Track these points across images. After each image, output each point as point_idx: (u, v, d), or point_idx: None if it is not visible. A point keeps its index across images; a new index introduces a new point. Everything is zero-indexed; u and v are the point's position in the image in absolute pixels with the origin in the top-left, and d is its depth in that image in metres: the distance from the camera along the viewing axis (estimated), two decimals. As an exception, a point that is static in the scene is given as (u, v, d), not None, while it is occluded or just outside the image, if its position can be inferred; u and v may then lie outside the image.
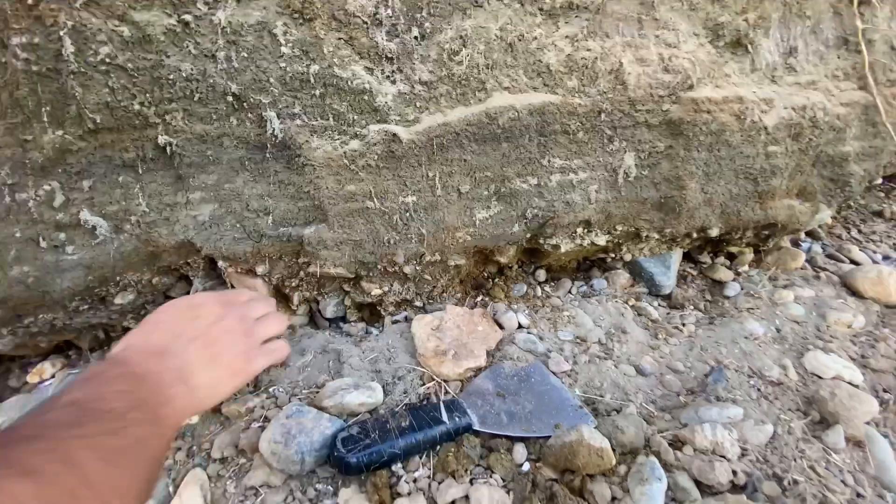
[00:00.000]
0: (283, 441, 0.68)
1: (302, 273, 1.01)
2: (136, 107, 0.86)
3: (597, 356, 0.95)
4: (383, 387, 0.84)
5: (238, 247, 0.99)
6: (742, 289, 1.23)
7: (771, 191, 1.13)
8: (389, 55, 0.93)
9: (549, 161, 1.03)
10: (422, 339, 0.92)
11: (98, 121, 0.84)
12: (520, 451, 0.69)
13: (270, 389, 0.84)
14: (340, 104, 0.93)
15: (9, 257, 0.86)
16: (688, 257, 1.37)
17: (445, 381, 0.86)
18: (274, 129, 0.91)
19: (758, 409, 0.80)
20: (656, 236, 1.15)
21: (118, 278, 0.98)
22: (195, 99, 0.88)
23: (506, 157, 1.00)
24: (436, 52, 0.95)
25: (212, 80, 0.87)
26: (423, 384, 0.85)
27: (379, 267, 0.99)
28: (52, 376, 0.98)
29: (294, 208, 0.97)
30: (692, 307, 1.18)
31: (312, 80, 0.90)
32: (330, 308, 1.04)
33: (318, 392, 0.81)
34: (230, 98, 0.88)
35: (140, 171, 0.93)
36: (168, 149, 0.91)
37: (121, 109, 0.85)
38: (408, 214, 0.97)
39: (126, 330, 1.11)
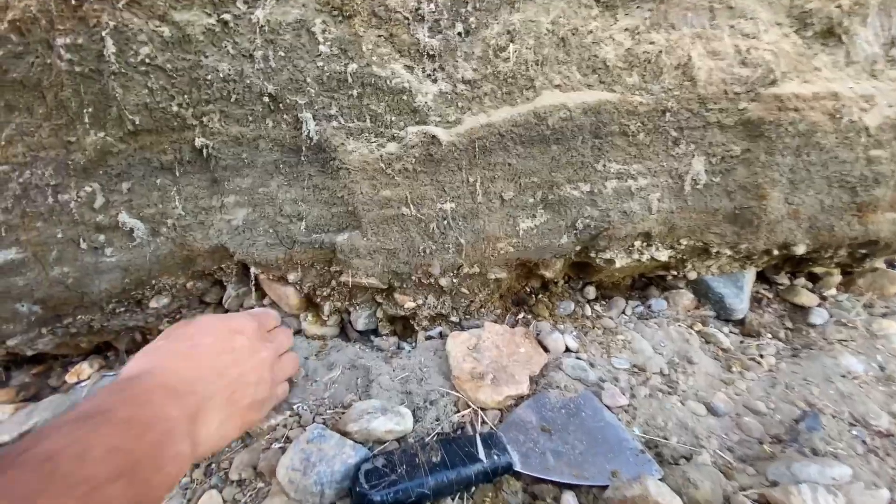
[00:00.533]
0: (302, 469, 0.62)
1: (334, 282, 0.96)
2: (175, 108, 0.84)
3: (658, 389, 0.82)
4: (413, 411, 0.76)
5: (270, 253, 0.95)
6: (831, 316, 1.06)
7: (872, 202, 0.96)
8: (431, 52, 0.87)
9: (604, 166, 0.92)
10: (457, 359, 0.83)
11: (137, 122, 0.83)
12: (569, 502, 0.58)
13: (294, 407, 0.78)
14: (378, 105, 0.87)
15: (50, 258, 0.87)
16: (761, 277, 1.20)
17: (482, 409, 0.77)
18: (309, 131, 0.88)
19: (866, 468, 0.65)
20: (728, 253, 1.01)
21: (154, 282, 0.97)
22: (232, 100, 0.86)
23: (555, 161, 0.91)
24: (480, 49, 0.88)
25: (248, 81, 0.84)
26: (458, 411, 0.76)
27: (413, 278, 0.92)
28: (89, 377, 0.98)
29: (327, 214, 0.93)
30: (770, 336, 1.03)
31: (350, 80, 0.86)
32: (361, 320, 0.98)
33: (343, 413, 0.74)
34: (266, 99, 0.85)
35: (177, 174, 0.91)
36: (204, 151, 0.89)
37: (159, 111, 0.84)
38: (445, 222, 0.90)
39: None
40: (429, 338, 0.97)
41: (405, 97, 0.87)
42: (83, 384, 0.94)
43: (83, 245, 0.89)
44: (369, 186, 0.88)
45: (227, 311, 1.11)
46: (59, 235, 0.87)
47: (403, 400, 0.80)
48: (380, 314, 0.99)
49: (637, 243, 0.98)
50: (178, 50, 0.81)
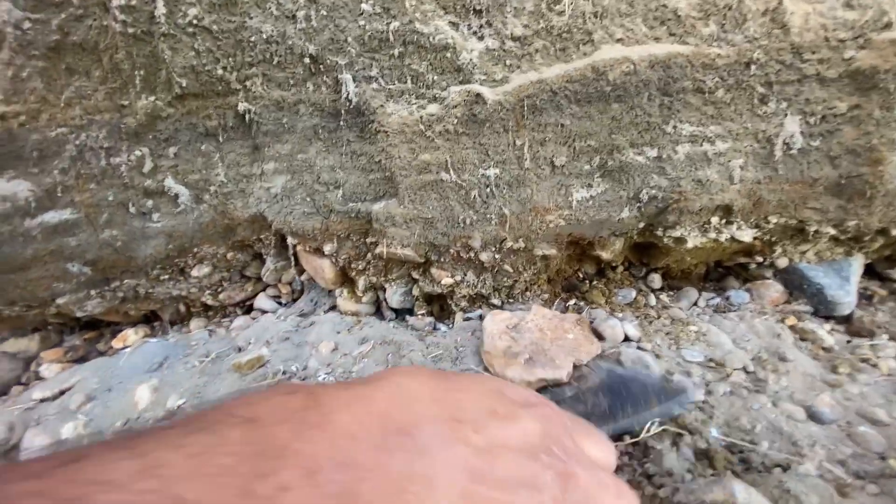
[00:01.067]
0: None
1: (369, 255, 0.91)
2: (220, 71, 0.84)
3: (743, 387, 0.68)
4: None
5: (307, 222, 0.92)
6: (972, 319, 0.84)
7: None
8: (478, 7, 0.81)
9: (674, 127, 0.80)
10: (492, 335, 0.74)
11: (184, 85, 0.84)
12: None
13: (320, 377, 0.73)
14: (420, 64, 0.82)
15: (101, 220, 0.89)
16: (869, 272, 1.00)
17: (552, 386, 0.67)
18: (349, 93, 0.84)
19: None
20: (830, 233, 0.84)
21: (196, 250, 0.97)
22: (274, 62, 0.84)
23: (616, 121, 0.80)
24: (532, 3, 0.80)
25: (290, 42, 0.82)
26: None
27: (451, 251, 0.85)
28: (133, 343, 0.99)
29: (364, 181, 0.88)
30: (886, 336, 0.83)
31: (391, 39, 0.81)
32: (396, 297, 0.92)
33: None
34: (307, 60, 0.83)
35: (220, 140, 0.91)
36: (247, 116, 0.89)
37: (205, 74, 0.84)
38: (488, 190, 0.82)
39: (206, 308, 1.11)
40: (467, 319, 0.89)
41: (448, 55, 0.81)
42: (125, 351, 0.96)
43: (132, 209, 0.91)
44: (408, 150, 0.83)
45: (266, 286, 1.10)
46: (111, 198, 0.89)
47: (435, 378, 0.72)
48: (416, 292, 0.92)
49: (714, 219, 0.84)
50: (224, 11, 0.80)
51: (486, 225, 0.83)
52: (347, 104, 0.85)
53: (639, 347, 0.81)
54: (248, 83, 0.87)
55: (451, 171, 0.81)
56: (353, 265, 0.94)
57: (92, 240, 0.90)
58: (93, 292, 0.95)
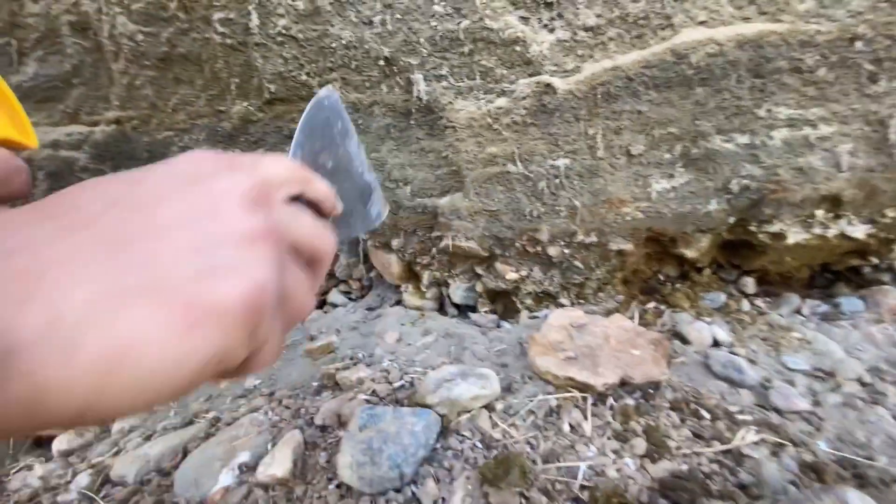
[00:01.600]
0: (370, 459, 0.54)
1: (434, 250, 0.91)
2: (304, 77, 0.91)
3: (857, 398, 0.58)
4: (509, 385, 0.65)
5: (376, 218, 0.95)
6: None
7: None
8: (548, 1, 0.80)
9: (769, 111, 0.73)
10: (550, 325, 0.71)
11: (273, 90, 0.92)
12: None
13: (384, 363, 0.73)
14: (489, 59, 0.83)
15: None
16: None
17: (583, 390, 0.62)
18: (419, 92, 0.87)
19: None
20: (976, 228, 0.71)
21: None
22: (352, 66, 0.89)
23: (700, 106, 0.75)
24: (605, -9, 0.78)
25: (367, 46, 0.87)
26: (556, 393, 0.63)
27: (517, 245, 0.82)
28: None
29: (432, 177, 0.90)
30: None
31: (462, 37, 0.83)
32: (459, 292, 0.91)
33: (421, 381, 0.66)
34: (382, 63, 0.87)
35: (301, 141, 0.98)
36: (325, 118, 0.94)
37: (291, 79, 0.91)
38: (557, 181, 0.79)
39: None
40: (533, 318, 0.86)
41: (518, 48, 0.81)
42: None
43: (223, 205, 1.00)
44: (475, 144, 0.83)
45: (339, 281, 1.15)
46: (206, 195, 0.99)
47: (498, 372, 0.70)
48: (479, 288, 0.90)
49: (819, 212, 0.75)
50: (310, 21, 0.87)
51: (554, 217, 0.80)
52: (418, 103, 0.88)
53: (731, 352, 0.73)
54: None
55: (519, 163, 0.80)
56: (418, 260, 0.95)
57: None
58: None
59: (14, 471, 0.80)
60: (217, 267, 0.20)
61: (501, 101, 0.82)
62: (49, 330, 0.16)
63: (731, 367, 0.67)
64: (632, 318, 0.84)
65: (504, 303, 0.93)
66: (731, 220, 0.79)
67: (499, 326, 0.87)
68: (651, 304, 0.87)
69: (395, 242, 0.94)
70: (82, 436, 0.81)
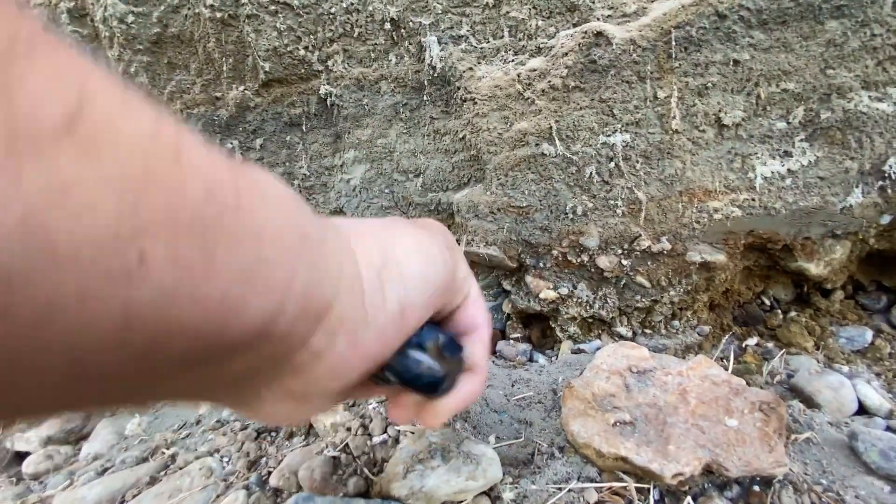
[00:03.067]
0: None
1: (452, 258, 0.72)
2: (302, 51, 0.77)
3: None
4: (529, 457, 0.45)
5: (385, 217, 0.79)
6: None
7: None
8: (601, -79, 0.59)
9: (962, 43, 0.46)
10: (598, 369, 0.49)
11: (268, 69, 0.79)
12: None
13: (370, 406, 0.56)
14: (520, 8, 0.63)
15: (196, 214, 0.89)
16: None
17: (644, 479, 0.40)
18: (432, 59, 0.69)
19: None
20: None
21: (279, 249, 0.91)
22: (355, 35, 0.74)
23: (834, 47, 0.49)
24: None
25: (371, 8, 0.71)
26: (601, 481, 0.42)
27: (555, 253, 0.61)
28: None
29: (447, 166, 0.71)
30: None
31: (485, -16, 0.64)
32: (482, 312, 0.71)
33: (395, 452, 0.47)
34: (388, 26, 0.71)
35: (304, 129, 0.84)
36: (328, 100, 0.80)
37: (288, 55, 0.78)
38: (612, 165, 0.57)
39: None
40: (578, 351, 0.63)
41: (559, -9, 0.60)
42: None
43: (223, 204, 0.89)
44: (499, 119, 0.63)
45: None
46: (204, 193, 0.88)
47: (518, 431, 0.49)
48: (507, 308, 0.70)
49: None
50: (305, -16, 0.73)
51: (607, 215, 0.58)
52: (431, 73, 0.70)
53: (889, 427, 0.46)
54: (329, 62, 0.78)
55: (558, 141, 0.59)
56: (433, 270, 0.76)
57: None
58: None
59: None
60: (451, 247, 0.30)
61: (536, 62, 0.61)
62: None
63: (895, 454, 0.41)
64: (723, 360, 0.59)
65: (541, 328, 0.71)
66: (885, 219, 0.52)
67: (531, 360, 0.66)
68: (752, 341, 0.61)
69: (405, 248, 0.77)
70: (51, 458, 0.72)
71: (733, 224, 0.55)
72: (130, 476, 0.58)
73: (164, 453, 0.63)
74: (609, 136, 0.57)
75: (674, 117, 0.55)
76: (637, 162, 0.56)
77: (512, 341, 0.69)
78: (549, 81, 0.59)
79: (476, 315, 0.32)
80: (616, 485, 0.41)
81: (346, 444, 0.52)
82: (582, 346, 0.64)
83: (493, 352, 0.69)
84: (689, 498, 0.40)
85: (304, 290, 0.18)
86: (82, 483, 0.61)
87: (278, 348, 0.18)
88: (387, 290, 0.23)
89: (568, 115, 0.59)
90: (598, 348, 0.64)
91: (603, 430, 0.44)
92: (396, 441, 0.52)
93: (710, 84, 0.54)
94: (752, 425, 0.44)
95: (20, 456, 0.81)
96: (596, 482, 0.42)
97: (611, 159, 0.57)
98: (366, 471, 0.49)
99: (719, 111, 0.54)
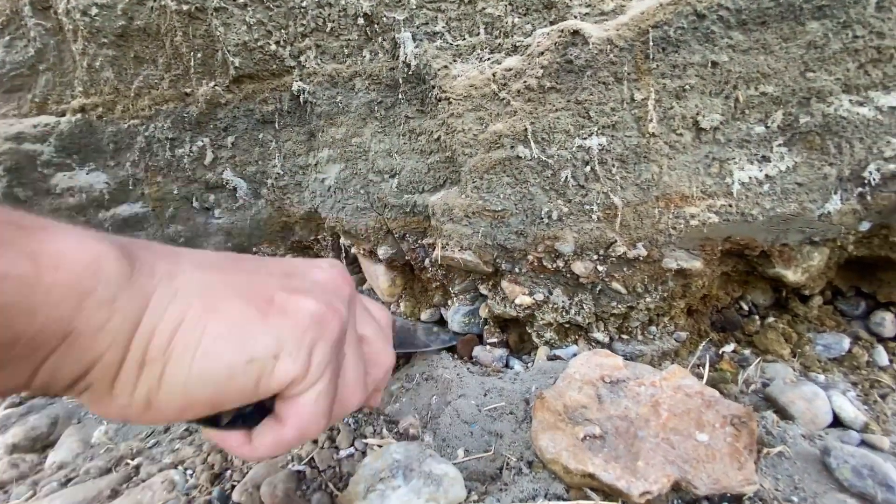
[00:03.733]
0: None
1: (427, 261, 0.71)
2: (273, 46, 0.75)
3: None
4: (498, 472, 0.44)
5: (360, 220, 0.77)
6: None
7: None
8: (579, -86, 0.57)
9: (943, 46, 0.44)
10: (571, 378, 0.49)
11: (238, 64, 0.76)
12: None
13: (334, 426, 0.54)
14: (497, 5, 0.61)
15: (167, 214, 0.86)
16: None
17: (613, 499, 0.39)
18: (407, 56, 0.67)
19: None
20: None
21: (254, 249, 0.89)
22: (328, 30, 0.71)
23: (815, 49, 0.48)
24: None
25: (343, 2, 0.69)
26: (567, 499, 0.41)
27: (530, 258, 0.60)
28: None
29: (423, 167, 0.69)
30: None
31: (461, -22, 0.62)
32: (457, 318, 0.70)
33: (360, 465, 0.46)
34: (361, 21, 0.68)
35: (277, 127, 0.82)
36: (301, 97, 0.77)
37: (258, 50, 0.75)
38: (588, 169, 0.55)
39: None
40: (554, 358, 0.62)
41: (536, -14, 0.58)
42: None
43: (195, 203, 0.86)
44: (474, 120, 0.61)
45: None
46: (175, 192, 0.86)
47: (488, 444, 0.48)
48: (484, 312, 0.68)
49: None
50: (275, -24, 0.70)
51: (583, 220, 0.57)
52: (405, 70, 0.68)
53: (865, 441, 0.45)
54: (301, 58, 0.75)
55: (533, 144, 0.57)
56: (412, 274, 0.75)
57: (158, 235, 0.87)
58: (160, 289, 0.93)
59: None
60: (299, 289, 0.27)
61: (512, 61, 0.59)
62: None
63: (869, 471, 0.40)
64: (698, 366, 0.58)
65: (518, 332, 0.70)
66: (864, 226, 0.51)
67: (507, 366, 0.65)
68: (729, 347, 0.60)
69: (381, 250, 0.75)
70: (17, 467, 0.70)
71: (710, 230, 0.54)
72: (92, 488, 0.56)
73: (128, 464, 0.61)
74: (585, 139, 0.55)
75: (651, 120, 0.53)
76: (613, 166, 0.55)
77: (489, 346, 0.67)
78: (525, 82, 0.58)
79: (291, 419, 0.26)
80: (583, 503, 0.40)
81: (312, 458, 0.51)
82: (558, 353, 0.63)
83: (469, 358, 0.68)
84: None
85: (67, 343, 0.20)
86: (44, 494, 0.59)
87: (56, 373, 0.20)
88: (140, 383, 0.22)
89: (543, 117, 0.57)
90: (575, 354, 0.63)
91: (572, 445, 0.43)
92: (364, 454, 0.50)
93: (687, 86, 0.53)
94: (722, 440, 0.43)
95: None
96: (563, 500, 0.41)
97: (587, 163, 0.55)
98: (330, 485, 0.48)
99: (697, 114, 0.53)
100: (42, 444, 0.73)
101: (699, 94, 0.53)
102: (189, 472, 0.55)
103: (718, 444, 0.43)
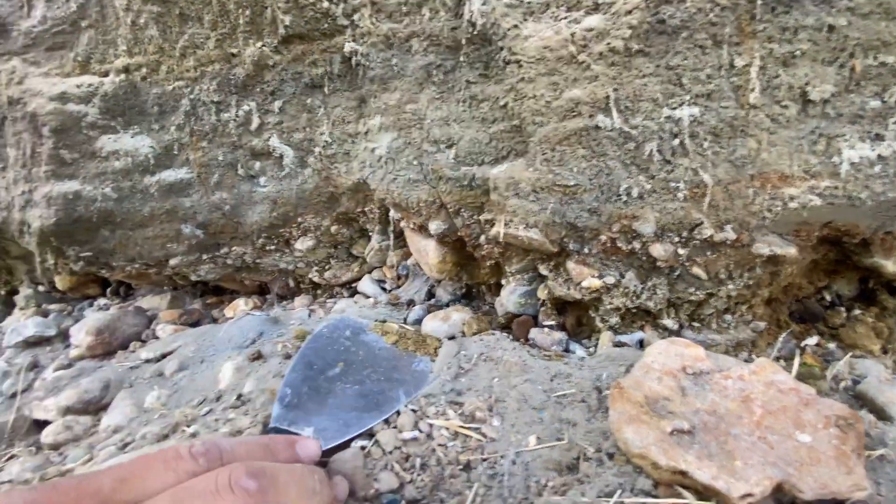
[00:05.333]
0: None
1: (483, 238, 0.68)
2: (325, 4, 0.70)
3: None
4: (574, 462, 0.42)
5: (412, 192, 0.73)
6: None
7: None
8: None
9: None
10: (648, 368, 0.46)
11: (288, 23, 0.72)
12: None
13: (401, 402, 0.53)
14: (577, -43, 0.55)
15: (212, 181, 0.84)
16: None
17: (707, 499, 0.36)
18: (472, 14, 0.62)
19: None
20: None
21: (299, 220, 0.87)
22: (385, -15, 0.66)
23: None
24: None
25: (404, -46, 0.63)
26: (656, 495, 0.39)
27: (603, 238, 0.56)
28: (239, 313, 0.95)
29: (484, 137, 0.65)
30: None
31: (537, -74, 0.56)
32: (514, 298, 0.67)
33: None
34: (423, -25, 0.63)
35: (326, 92, 0.78)
36: (353, 59, 0.73)
37: (310, 7, 0.71)
38: (677, 142, 0.51)
39: (314, 286, 1.03)
40: (620, 344, 0.59)
41: (624, -65, 0.52)
42: (231, 320, 0.90)
43: (240, 171, 0.84)
44: (548, 85, 0.57)
45: (373, 268, 0.96)
46: (220, 158, 0.83)
47: (559, 432, 0.46)
48: (542, 293, 0.65)
49: None
50: (331, -75, 0.65)
51: (666, 199, 0.52)
52: (469, 30, 0.63)
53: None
54: (355, 17, 0.71)
55: (615, 113, 0.52)
56: (463, 250, 0.72)
57: (203, 202, 0.86)
58: (204, 256, 0.92)
59: (5, 459, 0.74)
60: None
61: (593, 20, 0.54)
62: None
63: None
64: (779, 360, 0.54)
65: (577, 315, 0.67)
66: None
67: (567, 351, 0.62)
68: (812, 340, 0.56)
69: (433, 225, 0.72)
70: (71, 429, 0.71)
71: (810, 214, 0.49)
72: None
73: (184, 431, 0.61)
74: (675, 109, 0.50)
75: (752, 90, 0.48)
76: (705, 140, 0.50)
77: (546, 329, 0.65)
78: (609, 44, 0.52)
79: None
80: (676, 501, 0.37)
81: (377, 438, 0.50)
82: (623, 339, 0.60)
83: (526, 339, 0.66)
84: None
85: None
86: (102, 458, 0.60)
87: None
88: None
89: (628, 84, 0.52)
90: (641, 341, 0.60)
91: (660, 440, 0.40)
92: (430, 437, 0.49)
93: (798, 52, 0.47)
94: (826, 442, 0.40)
95: (38, 424, 0.81)
96: (651, 496, 0.38)
97: (675, 136, 0.51)
98: (397, 466, 0.46)
99: (806, 84, 0.47)
100: (94, 407, 0.74)
101: (810, 62, 0.47)
102: (247, 442, 0.55)
103: (822, 447, 0.40)
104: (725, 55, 0.49)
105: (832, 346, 0.56)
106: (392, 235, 0.83)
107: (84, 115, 0.82)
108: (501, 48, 0.60)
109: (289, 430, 0.51)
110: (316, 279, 0.99)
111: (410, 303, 0.81)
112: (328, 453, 0.47)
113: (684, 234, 0.53)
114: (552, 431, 0.46)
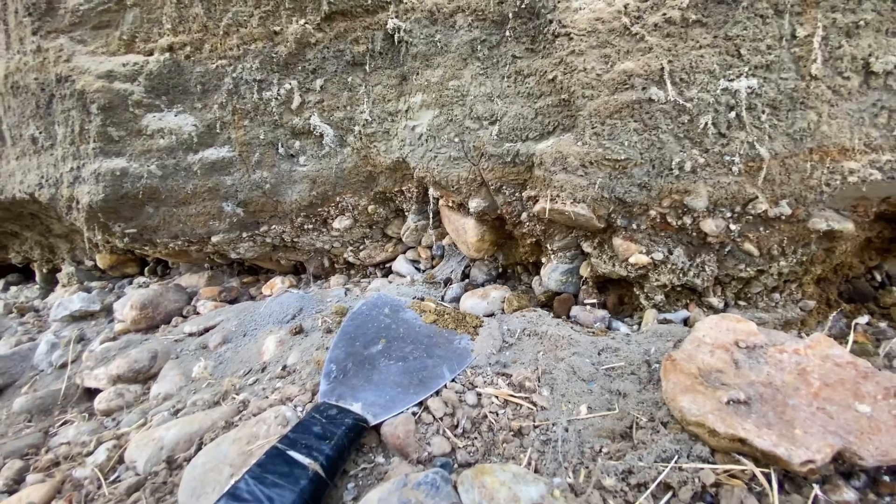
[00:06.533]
0: None
1: (525, 215, 0.68)
2: (369, -20, 0.70)
3: None
4: (627, 430, 0.42)
5: (453, 170, 0.74)
6: None
7: None
8: None
9: None
10: (700, 341, 0.46)
11: (332, 1, 0.73)
12: None
13: (467, 367, 0.54)
14: (630, -71, 0.54)
15: (253, 160, 0.86)
16: None
17: (765, 464, 0.37)
18: (520, -11, 0.61)
19: None
20: None
21: (338, 199, 0.88)
22: (429, -39, 0.66)
23: None
24: None
25: (451, -71, 0.63)
26: (713, 461, 0.39)
27: (652, 214, 0.56)
28: (277, 291, 0.97)
29: (529, 112, 0.65)
30: None
31: None
32: (555, 276, 0.67)
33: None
34: (469, -50, 0.63)
35: (367, 70, 0.79)
36: (396, 36, 0.74)
37: (353, -15, 0.71)
38: (733, 115, 0.50)
39: (348, 265, 1.04)
40: (665, 321, 0.59)
41: None
42: (269, 298, 0.92)
43: (280, 150, 0.85)
44: (599, 58, 0.56)
45: (407, 248, 0.97)
46: (262, 137, 0.85)
47: (609, 402, 0.46)
48: (585, 271, 0.65)
49: None
50: None
51: (720, 173, 0.52)
52: (517, 3, 0.63)
53: None
54: (399, -7, 0.71)
55: (669, 85, 0.52)
56: (503, 228, 0.72)
57: (244, 180, 0.87)
58: (244, 234, 0.94)
59: (59, 423, 0.77)
60: None
61: (646, -7, 0.53)
62: None
63: None
64: (830, 337, 0.54)
65: (618, 294, 0.67)
66: None
67: (610, 328, 0.62)
68: (863, 319, 0.56)
69: (473, 203, 0.72)
70: (122, 396, 0.74)
71: (869, 188, 0.49)
72: (206, 419, 0.59)
73: (234, 398, 0.63)
74: (732, 80, 0.50)
75: (814, 60, 0.47)
76: (763, 112, 0.49)
77: (588, 307, 0.65)
78: (665, 14, 0.52)
79: None
80: (735, 468, 0.38)
81: (427, 405, 0.51)
82: (668, 316, 0.60)
83: (567, 317, 0.66)
84: (815, 489, 0.37)
85: None
86: (157, 423, 0.63)
87: None
88: None
89: (684, 55, 0.51)
90: (685, 319, 0.60)
91: (716, 409, 0.40)
92: (479, 404, 0.50)
93: (862, 22, 0.46)
94: (887, 412, 0.40)
95: (89, 392, 0.84)
96: (709, 463, 0.39)
97: (731, 108, 0.50)
98: (448, 432, 0.48)
99: (869, 55, 0.46)
100: (144, 376, 0.77)
101: (874, 32, 0.46)
102: (298, 409, 0.57)
103: (883, 416, 0.39)
104: (787, 25, 0.48)
105: (883, 325, 0.55)
106: (431, 214, 0.83)
107: (130, 94, 0.84)
108: (550, 21, 0.60)
109: (337, 404, 0.52)
110: (351, 259, 1.00)
111: (447, 281, 0.82)
112: (377, 427, 0.48)
113: (737, 208, 0.52)
114: (603, 402, 0.47)
